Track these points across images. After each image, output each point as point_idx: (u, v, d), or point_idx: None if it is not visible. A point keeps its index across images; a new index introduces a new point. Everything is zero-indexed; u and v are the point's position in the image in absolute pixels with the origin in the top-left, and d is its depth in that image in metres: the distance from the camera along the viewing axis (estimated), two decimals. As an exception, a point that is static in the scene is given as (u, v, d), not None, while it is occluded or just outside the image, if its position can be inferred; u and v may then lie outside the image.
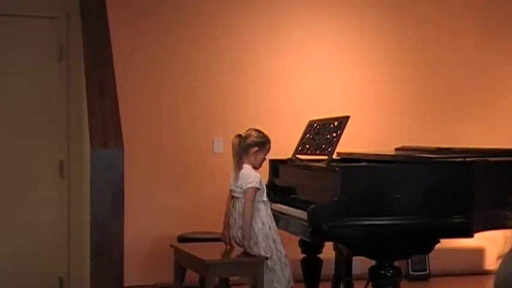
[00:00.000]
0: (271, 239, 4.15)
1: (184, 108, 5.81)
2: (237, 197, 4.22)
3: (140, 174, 5.57)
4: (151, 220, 5.68)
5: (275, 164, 4.97)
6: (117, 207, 4.11)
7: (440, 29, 6.47)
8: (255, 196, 4.13)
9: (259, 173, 4.27)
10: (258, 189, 4.15)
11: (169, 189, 5.76)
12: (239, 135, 4.24)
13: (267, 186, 4.91)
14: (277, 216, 4.32)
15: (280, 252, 4.16)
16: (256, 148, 4.21)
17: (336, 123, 4.39)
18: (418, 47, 6.41)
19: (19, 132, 5.25)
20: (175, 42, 5.82)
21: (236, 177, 4.22)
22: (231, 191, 4.30)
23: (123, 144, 4.18)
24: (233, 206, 4.26)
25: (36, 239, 5.23)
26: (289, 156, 4.84)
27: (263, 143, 4.23)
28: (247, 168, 4.20)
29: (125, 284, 4.23)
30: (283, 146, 5.05)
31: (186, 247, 4.47)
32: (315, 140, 4.58)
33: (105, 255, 4.10)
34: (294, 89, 6.05)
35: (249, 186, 4.11)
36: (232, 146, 4.23)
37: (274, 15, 6.06)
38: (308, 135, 4.74)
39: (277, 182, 4.93)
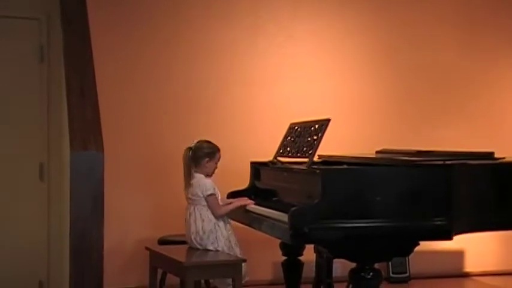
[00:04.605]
0: (228, 239, 4.37)
1: (165, 112, 5.79)
2: (194, 204, 4.38)
3: (120, 176, 5.55)
4: (131, 223, 5.65)
5: (256, 167, 4.98)
6: (97, 210, 4.11)
7: (422, 32, 6.49)
8: (217, 200, 4.38)
9: (213, 180, 4.49)
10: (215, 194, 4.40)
11: (150, 192, 5.73)
12: (189, 148, 4.44)
13: (248, 188, 4.95)
14: (258, 219, 4.32)
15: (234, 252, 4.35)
16: (207, 159, 4.43)
17: (316, 126, 4.39)
18: (400, 51, 6.44)
19: (-2, 134, 5.21)
20: (156, 46, 5.80)
21: (188, 186, 4.42)
22: (187, 199, 4.46)
23: (103, 147, 4.17)
24: (189, 214, 4.40)
25: (15, 242, 5.19)
26: (271, 158, 4.85)
27: (213, 153, 4.47)
28: (199, 177, 4.42)
29: (105, 287, 4.21)
30: (265, 149, 5.06)
31: (164, 249, 4.46)
32: (296, 143, 4.59)
33: (84, 258, 4.08)
34: (275, 91, 6.05)
35: (207, 193, 4.34)
36: (183, 158, 4.44)
37: (256, 20, 6.05)
38: (289, 137, 4.74)
39: (258, 184, 4.93)
